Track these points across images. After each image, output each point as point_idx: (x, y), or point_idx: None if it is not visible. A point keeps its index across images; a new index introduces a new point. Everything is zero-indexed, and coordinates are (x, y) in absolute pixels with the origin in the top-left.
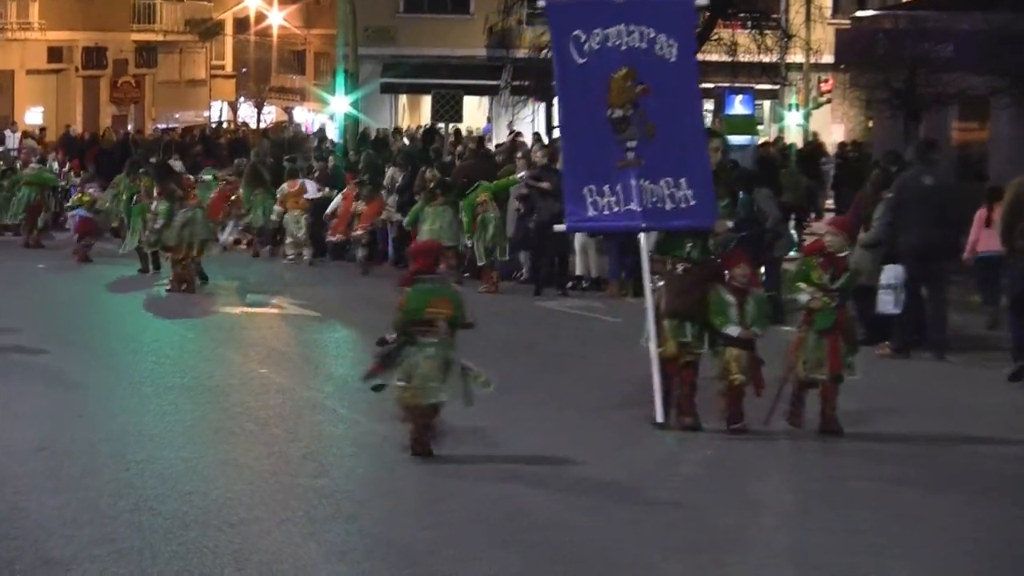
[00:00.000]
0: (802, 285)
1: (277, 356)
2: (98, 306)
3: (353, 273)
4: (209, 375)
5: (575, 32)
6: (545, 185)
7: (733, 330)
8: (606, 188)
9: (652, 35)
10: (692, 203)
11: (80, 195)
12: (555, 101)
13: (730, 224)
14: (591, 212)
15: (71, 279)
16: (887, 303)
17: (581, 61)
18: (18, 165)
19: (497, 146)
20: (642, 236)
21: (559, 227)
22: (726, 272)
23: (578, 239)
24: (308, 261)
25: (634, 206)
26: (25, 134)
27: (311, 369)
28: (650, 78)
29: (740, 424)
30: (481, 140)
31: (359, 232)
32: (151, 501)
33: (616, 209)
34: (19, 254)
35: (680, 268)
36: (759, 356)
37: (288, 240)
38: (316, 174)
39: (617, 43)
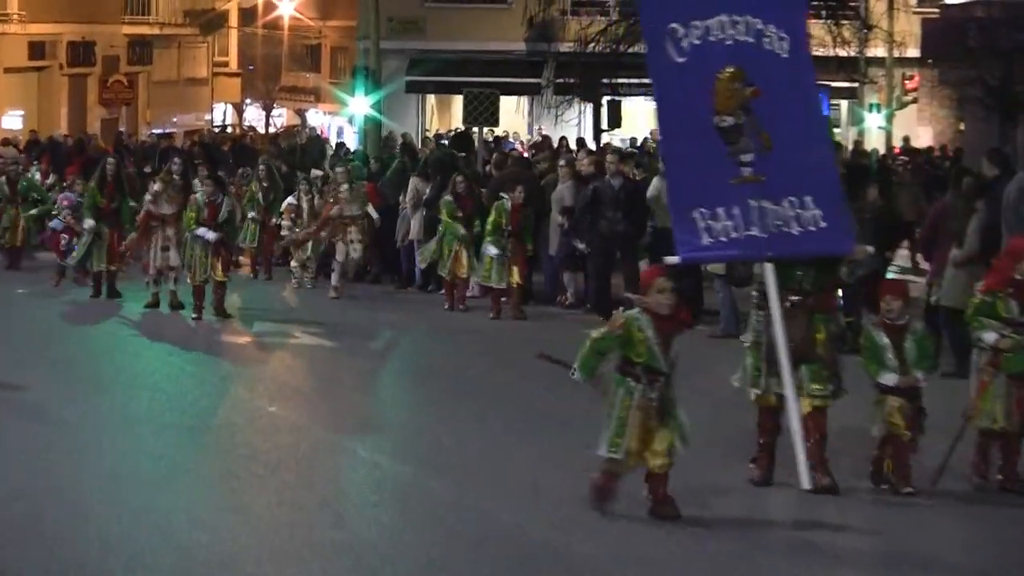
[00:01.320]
0: (987, 321)
1: (289, 391)
2: (86, 335)
3: (373, 297)
4: (212, 413)
5: (671, 25)
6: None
7: (890, 378)
8: (720, 211)
9: (759, 26)
10: (823, 225)
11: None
12: (604, 101)
13: (871, 249)
14: (705, 240)
15: (55, 304)
16: None
17: (680, 60)
18: None
19: (533, 148)
20: (767, 267)
21: (672, 259)
22: (840, 304)
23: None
24: (308, 284)
25: (756, 231)
26: (6, 141)
27: (327, 406)
28: (760, 78)
29: (910, 488)
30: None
31: (298, 236)
32: (146, 556)
33: (735, 235)
34: None
35: (789, 301)
36: (922, 406)
37: (293, 263)
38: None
39: (720, 37)
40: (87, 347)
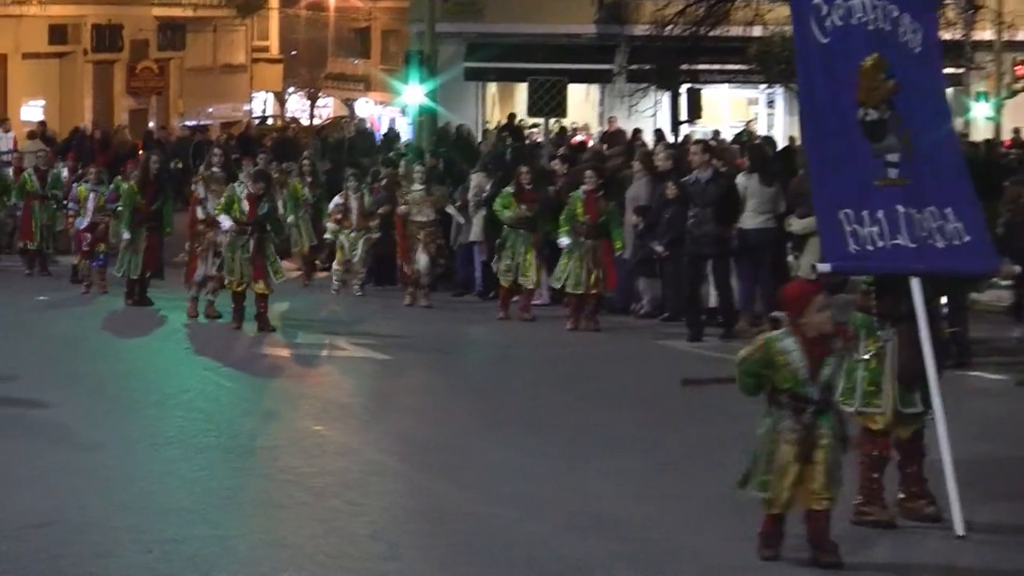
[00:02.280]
0: None
1: (335, 409)
2: (113, 348)
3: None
4: (251, 433)
5: (815, 1)
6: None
7: None
8: (864, 215)
9: (896, 14)
10: (966, 239)
11: (80, 189)
12: (683, 90)
13: (1018, 268)
14: (852, 247)
15: (78, 314)
16: None
17: (824, 40)
18: (10, 173)
19: (603, 137)
20: (914, 281)
21: (823, 267)
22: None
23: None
24: (356, 291)
25: (903, 240)
26: (32, 134)
27: (379, 426)
28: (897, 70)
29: None
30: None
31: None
32: None
33: (881, 244)
34: (14, 284)
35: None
36: None
37: (336, 265)
38: (383, 181)
39: (862, 20)
40: (114, 361)
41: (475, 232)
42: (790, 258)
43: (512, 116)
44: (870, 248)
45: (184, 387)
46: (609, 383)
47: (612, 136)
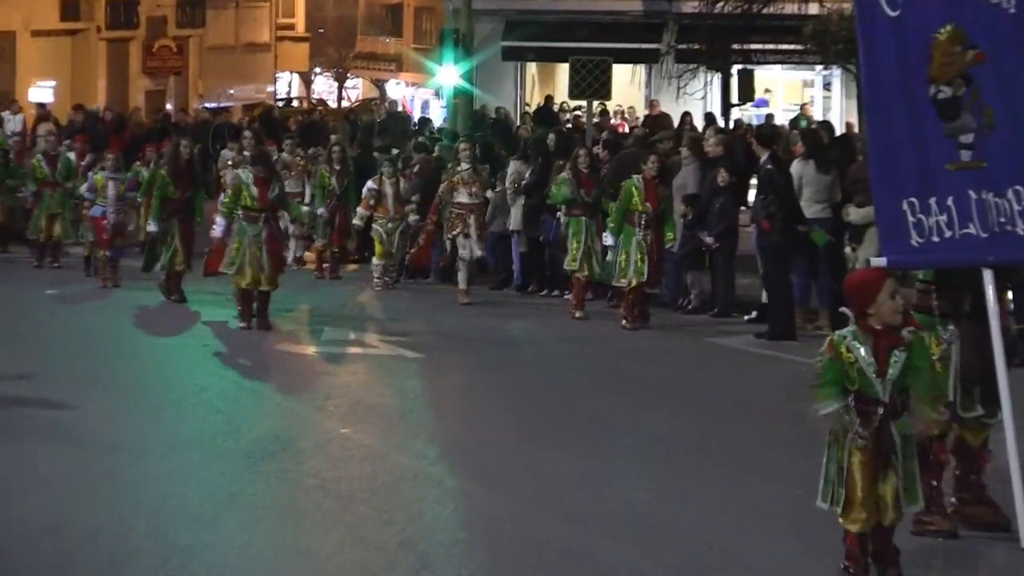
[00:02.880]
0: None
1: (364, 411)
2: (129, 345)
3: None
4: (274, 436)
5: None
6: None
7: None
8: (932, 202)
9: None
10: None
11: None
12: (734, 70)
13: None
14: (914, 239)
15: (91, 309)
16: None
17: (893, 13)
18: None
19: (645, 122)
20: (986, 272)
21: (878, 261)
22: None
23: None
24: (391, 284)
25: (974, 229)
26: (41, 117)
27: (409, 428)
28: (984, 38)
29: None
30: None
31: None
32: None
33: (948, 234)
34: (22, 276)
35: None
36: None
37: (376, 260)
38: (416, 168)
39: None
40: (131, 359)
41: (514, 221)
42: (847, 249)
43: (548, 99)
44: (935, 239)
45: (203, 386)
46: (657, 382)
47: (655, 121)
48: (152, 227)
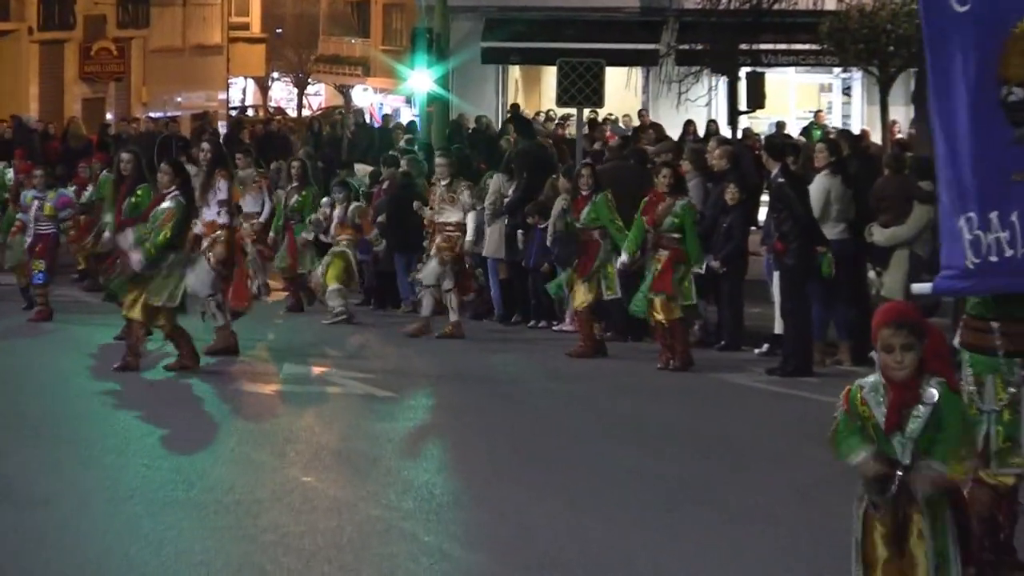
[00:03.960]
0: None
1: (329, 457)
2: (62, 384)
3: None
4: (228, 486)
5: None
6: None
7: None
8: (993, 217)
9: None
10: None
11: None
12: (742, 74)
13: None
14: (969, 260)
15: (21, 346)
16: None
17: (961, 9)
18: None
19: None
20: None
21: (920, 287)
22: None
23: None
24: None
25: None
26: None
27: (379, 476)
28: None
29: None
30: (627, 140)
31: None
32: None
33: (1009, 253)
34: None
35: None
36: None
37: (332, 285)
38: (385, 185)
39: None
40: (65, 401)
41: (490, 246)
42: (871, 274)
43: (515, 107)
44: (993, 259)
45: (148, 430)
46: (658, 424)
47: (644, 132)
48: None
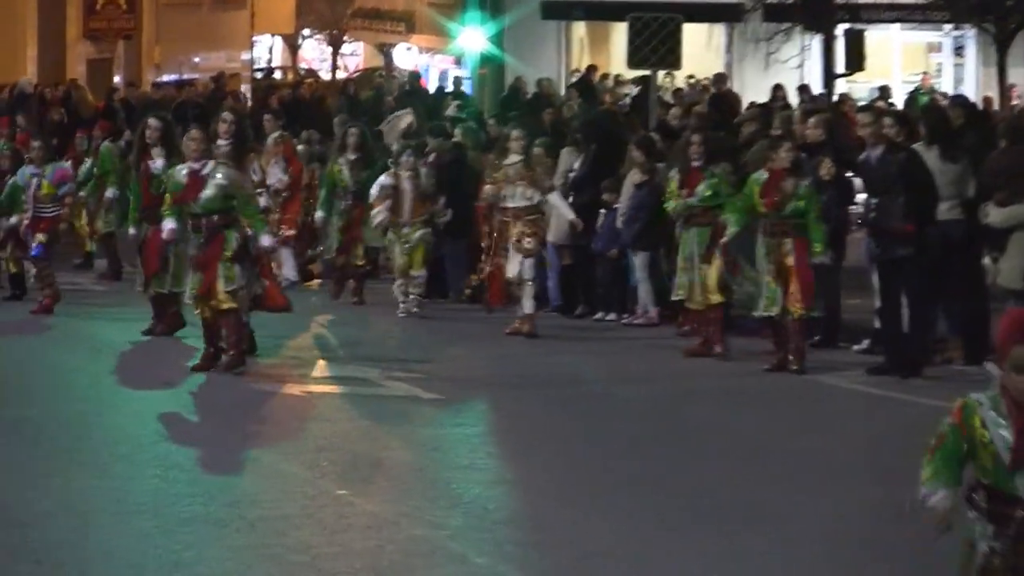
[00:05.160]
0: None
1: (367, 467)
2: (63, 384)
3: (489, 326)
4: (252, 500)
5: None
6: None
7: None
8: None
9: None
10: None
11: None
12: (839, 31)
13: None
14: None
15: (20, 342)
16: None
17: None
18: None
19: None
20: None
21: None
22: None
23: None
24: (414, 307)
25: None
26: None
27: (424, 490)
28: None
29: None
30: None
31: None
32: None
33: None
34: None
35: None
36: None
37: (398, 278)
38: (431, 158)
39: None
40: (70, 402)
41: (556, 230)
42: (986, 260)
43: (592, 68)
44: None
45: (162, 436)
46: (739, 433)
47: (721, 100)
48: (132, 231)
